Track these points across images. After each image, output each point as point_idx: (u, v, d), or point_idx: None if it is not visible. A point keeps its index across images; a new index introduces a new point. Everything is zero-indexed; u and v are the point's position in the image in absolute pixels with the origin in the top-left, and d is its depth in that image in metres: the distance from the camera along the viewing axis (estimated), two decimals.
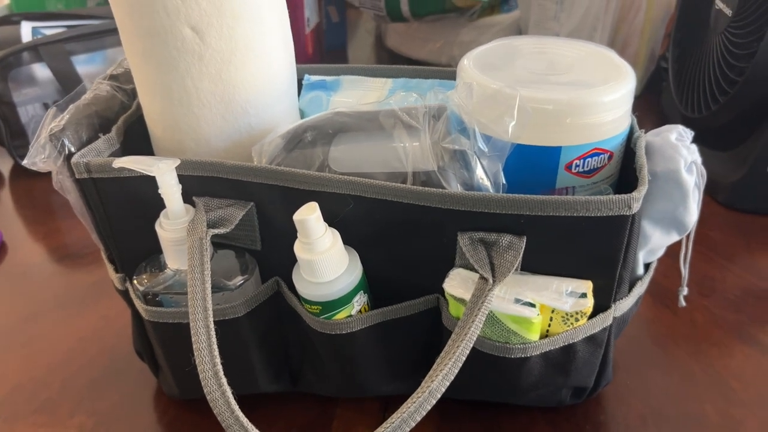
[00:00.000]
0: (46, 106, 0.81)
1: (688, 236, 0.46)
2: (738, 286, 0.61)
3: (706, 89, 0.74)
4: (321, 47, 1.10)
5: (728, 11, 0.70)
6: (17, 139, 0.81)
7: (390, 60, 1.13)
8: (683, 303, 0.49)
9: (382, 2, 0.98)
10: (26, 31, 0.80)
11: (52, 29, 0.82)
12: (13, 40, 0.79)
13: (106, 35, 0.82)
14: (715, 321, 0.57)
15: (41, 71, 0.79)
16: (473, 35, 1.00)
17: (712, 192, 0.72)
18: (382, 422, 0.48)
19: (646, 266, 0.45)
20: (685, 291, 0.48)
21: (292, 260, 0.41)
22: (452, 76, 0.50)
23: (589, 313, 0.40)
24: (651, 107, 0.94)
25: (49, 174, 0.84)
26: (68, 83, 0.80)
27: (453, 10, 0.97)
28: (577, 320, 0.39)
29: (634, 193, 0.36)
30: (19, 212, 0.78)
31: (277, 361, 0.47)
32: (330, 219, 0.39)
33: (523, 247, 0.37)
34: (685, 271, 0.48)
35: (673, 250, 0.46)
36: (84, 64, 0.81)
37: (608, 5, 0.88)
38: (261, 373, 0.46)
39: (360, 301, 0.42)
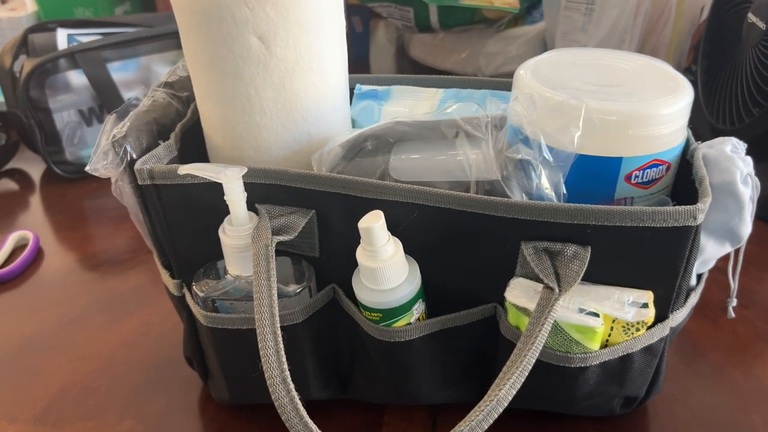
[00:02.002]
0: (81, 113, 0.82)
1: (737, 249, 0.46)
2: None
3: (739, 102, 0.74)
4: (348, 56, 1.11)
5: (762, 25, 0.71)
6: (52, 145, 0.81)
7: (413, 70, 1.13)
8: (732, 314, 0.49)
9: (411, 13, 0.98)
10: (62, 38, 0.81)
11: (87, 37, 0.82)
12: (49, 47, 0.80)
13: (140, 43, 0.83)
14: (757, 332, 0.57)
15: (76, 78, 0.80)
16: (499, 46, 1.01)
17: None
18: (432, 430, 0.48)
19: (698, 277, 0.45)
20: (734, 302, 0.49)
21: (350, 267, 0.42)
22: (504, 87, 0.51)
23: (650, 323, 0.40)
24: None
25: (80, 180, 0.85)
26: (103, 90, 0.80)
27: (481, 21, 0.97)
28: (637, 330, 0.40)
29: (699, 204, 0.36)
30: (50, 219, 0.79)
31: (328, 368, 0.47)
32: (391, 228, 0.39)
33: (588, 257, 0.38)
34: (734, 284, 0.48)
35: None
36: (118, 72, 0.82)
37: (636, 17, 0.89)
38: (312, 379, 0.47)
39: (419, 309, 0.42)
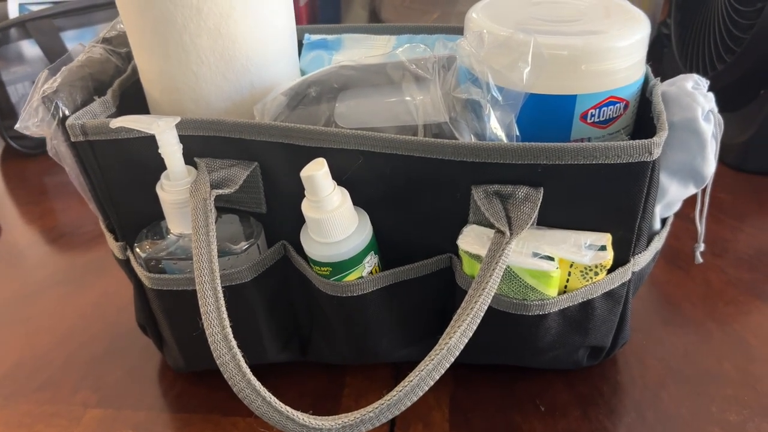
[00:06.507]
0: None
1: (703, 191, 0.45)
2: (751, 245, 0.60)
3: (711, 49, 0.72)
4: (316, 22, 1.08)
5: None
6: (7, 120, 0.79)
7: None
8: (700, 259, 0.47)
9: None
10: (13, 7, 0.78)
11: (39, 5, 0.79)
12: None
13: (95, 10, 0.80)
14: (729, 280, 0.56)
15: (30, 48, 0.77)
16: (470, 5, 0.98)
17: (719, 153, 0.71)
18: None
19: (663, 222, 0.44)
20: (701, 247, 0.47)
21: (299, 223, 0.40)
22: (457, 32, 0.49)
23: (608, 267, 0.38)
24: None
25: (41, 155, 0.82)
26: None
27: None
28: (596, 274, 0.38)
29: (654, 138, 0.35)
30: (11, 193, 0.76)
31: (285, 330, 0.46)
32: (338, 177, 0.38)
33: (540, 198, 0.36)
34: (701, 227, 0.47)
35: (682, 212, 0.45)
36: (73, 41, 0.79)
37: None
38: (269, 341, 0.45)
39: (371, 262, 0.40)
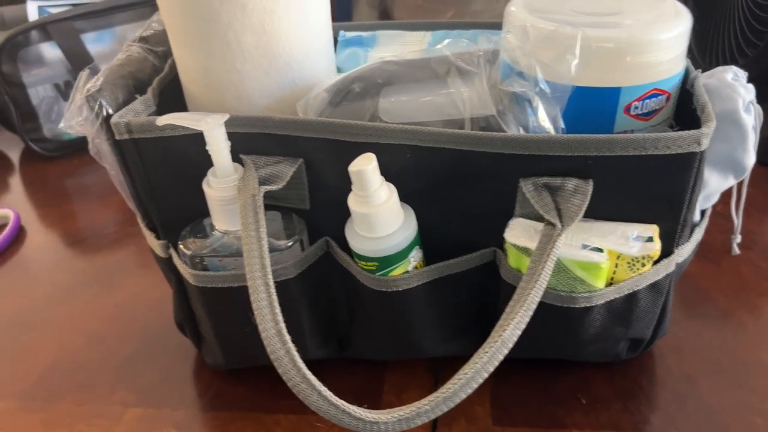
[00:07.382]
0: (57, 87, 0.79)
1: (740, 183, 0.45)
2: None
3: (732, 44, 0.73)
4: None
5: None
6: (28, 122, 0.79)
7: None
8: (737, 251, 0.48)
9: None
10: (32, 10, 0.78)
11: (58, 8, 0.79)
12: (19, 20, 0.77)
13: (114, 12, 0.80)
14: (761, 272, 0.56)
15: (50, 51, 0.77)
16: (485, 4, 0.98)
17: None
18: (435, 385, 0.47)
19: (701, 213, 0.44)
20: (738, 239, 0.47)
21: (341, 219, 0.40)
22: (493, 27, 0.49)
23: (656, 258, 0.38)
24: None
25: (60, 157, 0.82)
26: (78, 62, 0.77)
27: None
28: (643, 265, 0.38)
29: (702, 129, 0.35)
30: (31, 197, 0.76)
31: (325, 326, 0.46)
32: (384, 172, 0.38)
33: (590, 190, 0.36)
34: (738, 219, 0.47)
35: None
36: (93, 43, 0.79)
37: None
38: (310, 337, 0.45)
39: (416, 256, 0.40)
